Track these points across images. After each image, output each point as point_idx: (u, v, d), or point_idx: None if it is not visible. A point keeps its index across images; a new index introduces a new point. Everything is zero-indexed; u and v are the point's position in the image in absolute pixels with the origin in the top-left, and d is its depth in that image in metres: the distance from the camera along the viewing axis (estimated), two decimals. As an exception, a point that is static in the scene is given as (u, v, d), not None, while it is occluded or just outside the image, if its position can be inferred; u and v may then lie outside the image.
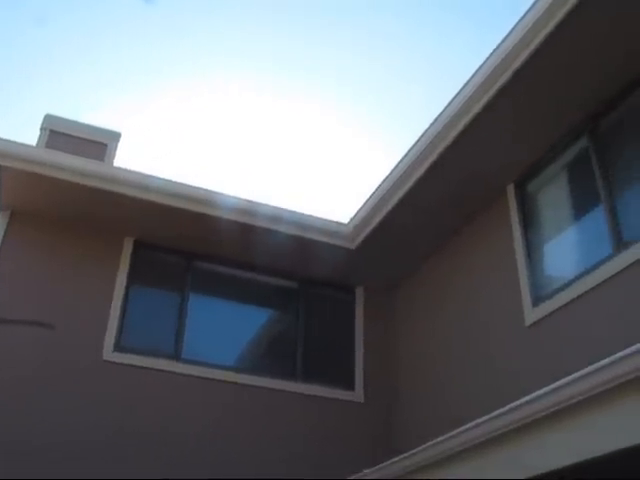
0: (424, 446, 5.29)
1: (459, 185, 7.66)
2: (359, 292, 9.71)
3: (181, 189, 8.28)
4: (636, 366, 3.49)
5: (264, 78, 12.73)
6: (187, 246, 8.92)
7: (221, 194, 8.44)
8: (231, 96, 13.31)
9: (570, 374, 3.96)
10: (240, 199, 8.51)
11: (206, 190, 8.39)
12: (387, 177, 8.11)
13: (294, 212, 8.73)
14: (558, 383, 4.00)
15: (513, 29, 6.25)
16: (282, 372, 8.89)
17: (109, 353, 8.06)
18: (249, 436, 8.18)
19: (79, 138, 9.45)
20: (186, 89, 12.90)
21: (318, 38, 12.17)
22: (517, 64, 6.26)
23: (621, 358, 3.59)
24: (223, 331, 9.04)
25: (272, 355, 9.54)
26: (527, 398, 4.25)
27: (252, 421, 8.29)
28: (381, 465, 5.88)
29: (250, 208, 8.51)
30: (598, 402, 3.80)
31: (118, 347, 8.15)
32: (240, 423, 8.22)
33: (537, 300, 6.78)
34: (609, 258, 6.03)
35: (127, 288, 8.51)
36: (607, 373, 3.66)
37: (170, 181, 8.28)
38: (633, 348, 3.52)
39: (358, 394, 9.02)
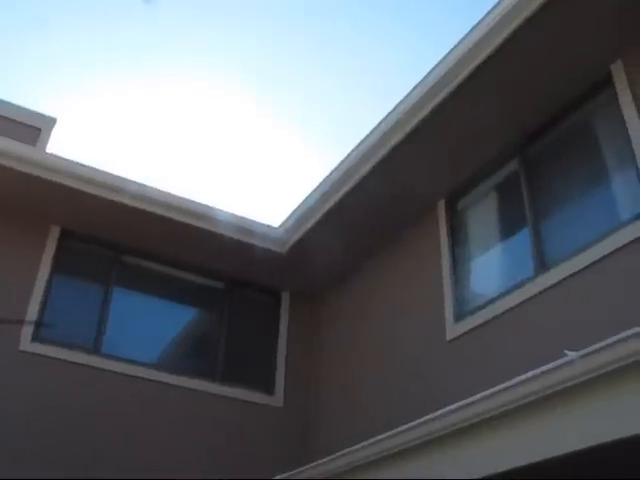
0: (337, 454, 5.34)
1: (391, 198, 7.78)
2: (285, 297, 9.73)
3: (111, 180, 8.14)
4: (562, 379, 3.63)
5: (203, 75, 12.68)
6: (115, 239, 8.78)
7: (151, 188, 8.35)
8: (175, 91, 13.20)
9: (486, 389, 4.09)
10: (171, 195, 8.44)
11: (136, 183, 8.28)
12: (320, 185, 8.17)
13: (226, 212, 8.71)
14: (482, 394, 4.11)
15: (453, 49, 6.43)
16: (203, 372, 8.82)
17: (27, 343, 7.84)
18: (166, 436, 8.07)
19: (13, 120, 9.21)
20: (127, 82, 12.74)
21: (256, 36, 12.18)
22: (454, 85, 6.46)
23: (544, 371, 3.73)
24: (146, 327, 8.92)
25: (194, 355, 9.47)
26: (452, 407, 4.35)
27: (170, 421, 8.19)
28: (294, 471, 5.90)
29: (180, 204, 8.45)
30: (521, 414, 3.93)
31: (37, 338, 7.93)
32: (157, 422, 8.10)
33: (459, 316, 6.95)
34: (530, 279, 6.24)
35: (50, 277, 8.31)
36: (533, 384, 3.80)
37: (100, 171, 8.14)
38: (555, 364, 3.66)
39: (277, 399, 9.02)
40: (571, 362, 3.52)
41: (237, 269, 9.31)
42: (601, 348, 3.44)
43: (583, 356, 3.49)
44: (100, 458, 7.54)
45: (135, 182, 8.28)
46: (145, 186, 8.32)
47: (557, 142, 6.72)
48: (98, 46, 11.65)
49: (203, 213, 8.54)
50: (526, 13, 5.79)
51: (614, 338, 3.39)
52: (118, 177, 8.20)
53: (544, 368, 3.69)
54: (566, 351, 3.51)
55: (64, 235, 8.62)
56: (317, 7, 11.98)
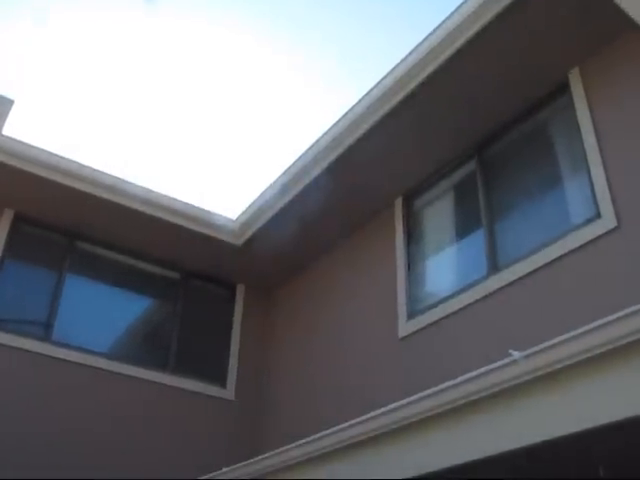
0: (284, 448, 5.35)
1: (348, 194, 7.81)
2: (240, 289, 9.71)
3: (66, 165, 8.03)
4: (506, 378, 3.68)
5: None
6: (70, 225, 8.67)
7: (107, 175, 8.26)
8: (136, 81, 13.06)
9: (435, 386, 4.14)
10: (127, 182, 8.37)
11: (92, 169, 8.18)
12: (277, 179, 8.17)
13: (183, 202, 8.66)
14: (422, 393, 4.16)
15: (413, 50, 6.49)
16: (155, 363, 8.76)
17: (-26, 329, 7.72)
18: (116, 425, 8.00)
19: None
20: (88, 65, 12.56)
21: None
22: (413, 85, 6.52)
23: (493, 369, 3.78)
24: (99, 316, 8.80)
25: (146, 345, 9.39)
26: (402, 402, 4.38)
27: (120, 410, 8.12)
28: (240, 464, 5.90)
29: (137, 193, 8.38)
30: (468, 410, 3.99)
31: (-16, 323, 7.82)
32: (108, 411, 8.02)
33: (412, 314, 7.01)
34: (482, 280, 6.33)
35: (1, 261, 8.18)
36: (481, 381, 3.85)
37: (56, 155, 8.02)
38: (499, 363, 3.72)
39: (229, 391, 9.01)
40: (515, 362, 3.58)
41: (193, 260, 9.27)
42: (544, 349, 3.51)
43: (527, 356, 3.55)
44: (48, 446, 7.44)
45: (91, 168, 8.18)
46: (101, 173, 8.22)
47: (514, 145, 6.82)
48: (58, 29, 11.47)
49: (160, 202, 8.48)
50: (488, 17, 5.88)
51: (557, 339, 3.46)
52: (74, 162, 8.09)
53: (489, 367, 3.75)
54: (511, 351, 3.57)
55: (18, 219, 8.48)
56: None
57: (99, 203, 8.23)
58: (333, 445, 4.86)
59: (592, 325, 3.35)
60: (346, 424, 4.73)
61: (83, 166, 8.12)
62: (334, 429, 4.82)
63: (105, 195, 8.19)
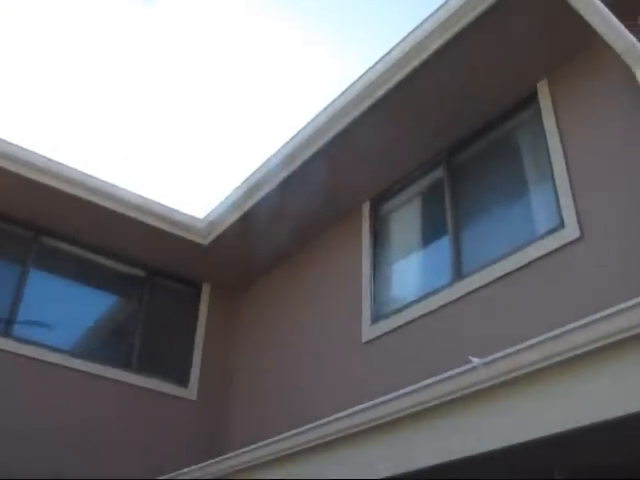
0: (245, 449, 5.35)
1: (316, 197, 7.82)
2: (205, 289, 9.68)
3: (32, 159, 7.90)
4: (465, 384, 3.73)
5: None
6: (35, 220, 8.55)
7: (73, 169, 8.15)
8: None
9: (397, 390, 4.17)
10: (94, 178, 8.27)
11: (58, 163, 8.06)
12: (246, 179, 8.14)
13: (150, 200, 8.60)
14: (391, 395, 4.19)
15: (382, 58, 6.53)
16: (118, 361, 8.68)
17: None
18: (77, 423, 7.90)
19: None
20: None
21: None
22: (384, 90, 6.57)
23: (452, 375, 3.83)
24: (62, 312, 8.69)
25: (110, 343, 9.31)
26: (364, 406, 4.41)
27: (82, 408, 8.02)
28: (201, 465, 5.88)
29: (103, 189, 8.29)
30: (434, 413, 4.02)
31: (-57, 317, 7.69)
32: (69, 410, 7.92)
33: (376, 318, 7.03)
34: (446, 287, 6.37)
35: (-37, 254, 8.07)
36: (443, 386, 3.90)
37: (19, 147, 7.89)
38: (459, 369, 3.76)
39: (191, 391, 8.96)
40: (475, 368, 3.62)
41: (159, 258, 9.22)
42: (504, 356, 3.55)
43: (487, 363, 3.59)
44: (5, 443, 7.34)
45: (57, 162, 8.07)
46: (67, 167, 8.12)
47: (482, 153, 6.88)
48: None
49: (127, 199, 8.41)
50: (458, 26, 5.93)
51: (516, 347, 3.51)
52: (39, 156, 7.97)
53: (449, 373, 3.79)
54: (471, 357, 3.61)
55: (-20, 213, 8.37)
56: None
57: (65, 198, 8.14)
58: (294, 447, 4.88)
59: (551, 333, 3.41)
60: (307, 426, 4.75)
61: (50, 160, 8.02)
62: (295, 431, 4.84)
63: (71, 190, 8.11)
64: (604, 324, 3.24)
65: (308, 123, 7.28)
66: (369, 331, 7.03)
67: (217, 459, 5.68)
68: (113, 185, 8.38)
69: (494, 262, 6.00)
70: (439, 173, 7.14)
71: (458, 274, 6.35)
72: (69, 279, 9.04)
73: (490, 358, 3.58)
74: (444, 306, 6.26)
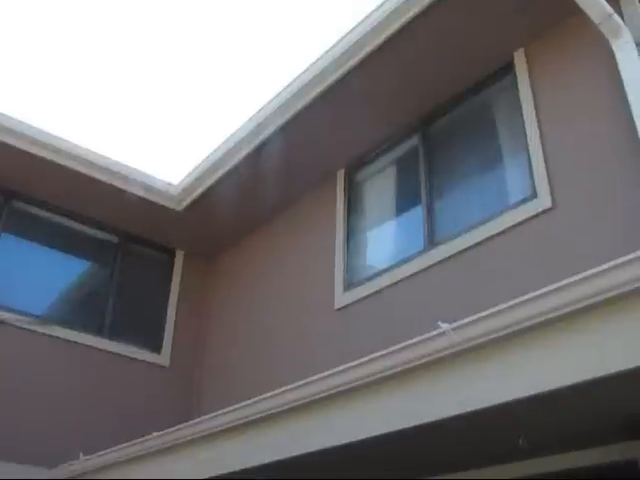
0: (214, 413, 5.38)
1: (292, 163, 7.78)
2: (179, 256, 9.64)
3: (3, 121, 7.76)
4: (435, 349, 3.76)
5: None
6: (6, 183, 8.41)
7: (45, 132, 8.01)
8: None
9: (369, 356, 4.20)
10: (66, 141, 8.14)
11: (29, 126, 7.92)
12: (219, 146, 8.07)
13: (123, 164, 8.49)
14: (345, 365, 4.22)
15: (360, 23, 6.46)
16: (90, 327, 8.64)
17: None
18: (49, 389, 7.88)
19: None
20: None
21: None
22: (360, 56, 6.51)
23: (421, 340, 3.86)
24: (34, 277, 8.62)
25: (82, 308, 9.24)
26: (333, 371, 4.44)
27: (54, 374, 8.00)
28: (171, 429, 5.90)
29: (76, 153, 8.17)
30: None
31: None
32: (41, 375, 7.90)
33: (349, 285, 7.06)
34: (419, 254, 6.40)
35: None
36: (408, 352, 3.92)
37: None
38: (428, 335, 3.78)
39: (164, 357, 8.96)
40: (444, 334, 3.64)
41: (132, 224, 9.15)
42: (473, 322, 3.58)
43: (455, 328, 3.61)
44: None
45: (28, 124, 7.92)
46: (38, 130, 7.98)
47: (458, 122, 6.88)
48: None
49: (100, 164, 8.30)
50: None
51: (485, 313, 3.54)
52: (8, 117, 7.81)
53: (417, 339, 3.81)
54: (439, 323, 3.63)
55: (-52, 175, 8.23)
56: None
57: (36, 162, 8.01)
58: (264, 411, 4.90)
59: (518, 300, 3.44)
60: (277, 390, 4.76)
61: (21, 122, 7.87)
62: (265, 395, 4.86)
63: (43, 154, 7.98)
64: (571, 291, 3.27)
65: (283, 89, 7.21)
66: (342, 298, 7.05)
67: (186, 424, 5.70)
68: (86, 149, 8.27)
69: (467, 230, 6.04)
70: (414, 141, 7.13)
71: (431, 242, 6.38)
72: (40, 244, 8.95)
73: (458, 323, 3.61)
74: (416, 274, 6.29)
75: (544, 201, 5.54)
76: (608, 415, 3.85)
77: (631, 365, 3.06)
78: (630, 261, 3.09)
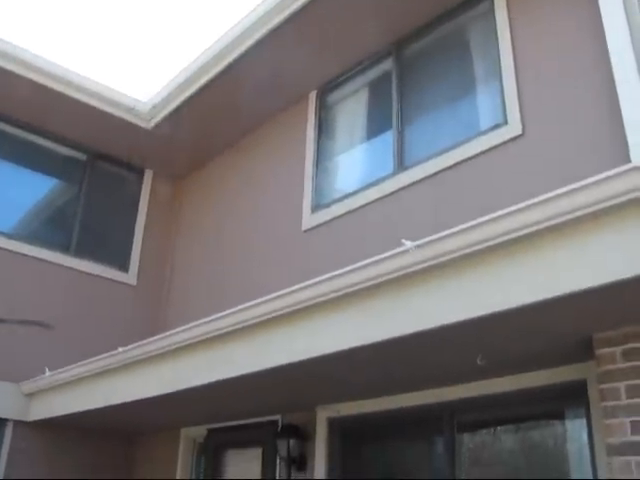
0: (177, 329, 5.44)
1: (263, 83, 7.63)
2: (148, 175, 9.55)
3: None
4: (398, 266, 3.80)
5: None
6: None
7: (11, 44, 7.77)
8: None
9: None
10: (33, 54, 7.91)
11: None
12: (191, 63, 7.88)
13: (91, 80, 8.29)
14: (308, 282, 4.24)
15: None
16: (57, 244, 8.60)
17: None
18: (15, 305, 7.81)
19: None
20: None
21: None
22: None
23: (385, 257, 3.89)
24: (1, 194, 8.50)
25: (49, 226, 9.17)
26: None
27: (21, 291, 7.97)
28: (134, 344, 5.96)
29: (42, 67, 7.95)
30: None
31: None
32: (6, 292, 7.84)
33: (316, 207, 7.06)
34: (388, 177, 6.40)
35: None
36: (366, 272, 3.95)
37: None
38: (392, 252, 3.81)
39: (131, 276, 8.98)
40: (407, 251, 3.67)
41: (100, 142, 9.00)
42: (436, 239, 3.61)
43: (419, 246, 3.64)
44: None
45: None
46: (4, 42, 7.74)
47: (432, 47, 6.78)
48: None
49: (67, 78, 8.11)
50: None
51: (448, 231, 3.56)
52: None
53: (381, 256, 3.84)
54: (403, 240, 3.65)
55: None
56: None
57: (1, 75, 7.79)
58: (224, 328, 4.96)
59: (482, 219, 3.46)
60: (238, 307, 4.81)
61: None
62: (226, 312, 4.90)
63: (8, 67, 7.76)
64: (527, 214, 3.31)
65: (255, 7, 7.04)
66: (309, 220, 7.06)
67: (150, 339, 5.75)
68: (54, 62, 8.06)
69: (436, 155, 6.03)
70: (387, 65, 7.04)
71: (401, 165, 6.37)
72: (7, 161, 8.78)
73: (422, 241, 3.63)
74: (385, 196, 6.31)
75: (514, 128, 5.55)
76: (560, 336, 3.94)
77: (583, 286, 3.12)
78: (585, 186, 3.13)
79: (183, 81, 7.95)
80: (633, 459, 3.39)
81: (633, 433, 3.44)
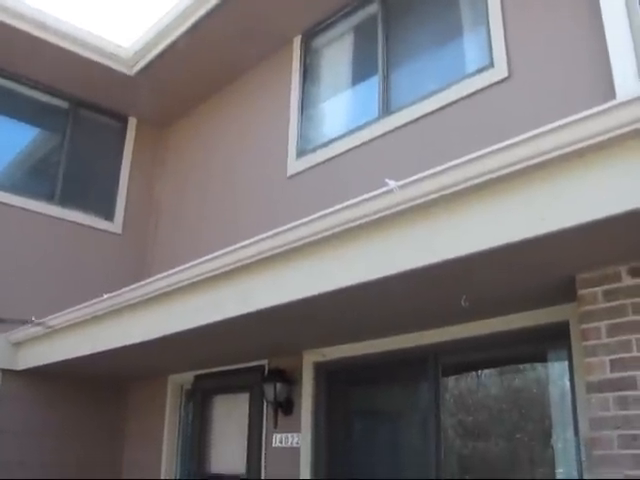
0: (161, 275, 5.43)
1: (246, 29, 7.48)
2: (132, 123, 9.43)
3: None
4: (383, 206, 3.78)
5: None
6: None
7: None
8: None
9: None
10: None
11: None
12: (172, 8, 7.70)
13: (71, 25, 8.10)
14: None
15: None
16: (41, 194, 8.54)
17: None
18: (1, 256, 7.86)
19: None
20: None
21: None
22: None
23: (366, 199, 3.88)
24: (-18, 145, 8.42)
25: (32, 175, 9.08)
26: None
27: (4, 241, 7.93)
28: (118, 291, 5.96)
29: (23, 12, 7.75)
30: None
31: None
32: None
33: (301, 153, 7.01)
34: (374, 121, 6.35)
35: None
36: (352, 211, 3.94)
37: None
38: (376, 192, 3.79)
39: (117, 225, 8.95)
40: (391, 191, 3.65)
41: (82, 89, 8.85)
42: (419, 179, 3.59)
43: (402, 186, 3.62)
44: None
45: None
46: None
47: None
48: None
49: (48, 24, 7.91)
50: None
51: (431, 171, 3.54)
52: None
53: (365, 196, 3.82)
54: (387, 180, 3.62)
55: None
56: None
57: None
58: (209, 272, 4.96)
59: (465, 158, 3.44)
60: (222, 250, 4.80)
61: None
62: (211, 255, 4.90)
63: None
64: (512, 152, 3.28)
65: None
66: (294, 165, 7.02)
67: (133, 286, 5.75)
68: (33, 8, 7.85)
69: (422, 99, 5.98)
70: (373, 8, 6.92)
71: (386, 110, 6.32)
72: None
73: (406, 181, 3.61)
74: (370, 141, 6.27)
75: (500, 70, 5.49)
76: (544, 277, 3.95)
77: (567, 225, 3.12)
78: (570, 123, 3.10)
79: (165, 26, 7.80)
80: (611, 395, 3.44)
81: (612, 371, 3.48)
